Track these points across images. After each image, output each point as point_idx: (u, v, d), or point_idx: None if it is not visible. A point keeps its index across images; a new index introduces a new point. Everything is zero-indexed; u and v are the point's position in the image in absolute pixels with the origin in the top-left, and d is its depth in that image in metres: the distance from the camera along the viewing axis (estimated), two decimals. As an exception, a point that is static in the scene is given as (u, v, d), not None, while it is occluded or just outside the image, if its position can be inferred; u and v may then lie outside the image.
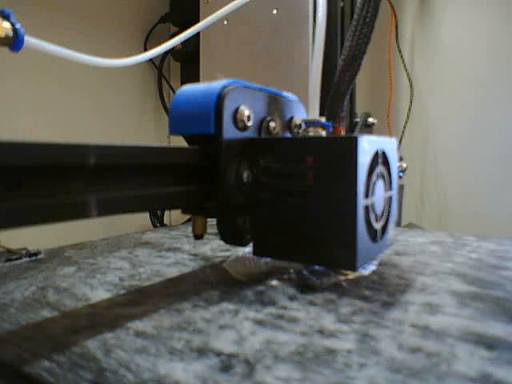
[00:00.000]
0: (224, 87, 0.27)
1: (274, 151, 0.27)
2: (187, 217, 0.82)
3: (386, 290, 0.25)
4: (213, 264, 0.33)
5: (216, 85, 0.27)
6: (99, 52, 0.37)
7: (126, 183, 0.22)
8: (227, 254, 0.36)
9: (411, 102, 0.91)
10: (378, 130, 0.74)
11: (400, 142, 0.89)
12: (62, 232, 0.64)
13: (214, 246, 0.39)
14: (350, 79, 0.43)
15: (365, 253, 0.25)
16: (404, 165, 0.66)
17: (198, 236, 0.29)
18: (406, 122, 0.91)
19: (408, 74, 0.92)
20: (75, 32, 0.73)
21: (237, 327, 0.20)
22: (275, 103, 0.31)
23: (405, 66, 0.92)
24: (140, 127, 0.88)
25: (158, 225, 0.82)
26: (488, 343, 0.18)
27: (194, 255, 0.35)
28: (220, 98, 0.26)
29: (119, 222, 0.77)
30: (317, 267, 0.29)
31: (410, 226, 0.83)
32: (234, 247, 0.37)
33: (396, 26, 0.90)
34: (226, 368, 0.17)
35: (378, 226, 0.27)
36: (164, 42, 0.40)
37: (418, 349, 0.18)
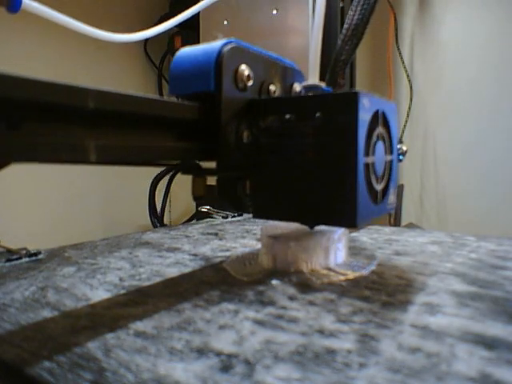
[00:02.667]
0: (224, 45, 0.26)
1: (273, 111, 0.27)
2: (187, 217, 0.82)
3: (386, 290, 0.25)
4: (213, 264, 0.33)
5: (216, 43, 0.27)
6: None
7: (125, 132, 0.22)
8: (227, 254, 0.36)
9: (411, 101, 0.91)
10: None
11: (400, 142, 0.89)
12: (62, 232, 0.64)
13: (214, 246, 0.39)
14: (351, 48, 0.43)
15: (365, 211, 0.25)
16: (404, 148, 0.65)
17: (197, 197, 0.28)
18: (406, 121, 0.91)
19: (408, 76, 0.92)
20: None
21: (237, 327, 0.20)
22: (275, 68, 0.31)
23: (404, 66, 0.92)
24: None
25: (158, 225, 0.82)
26: (488, 343, 0.18)
27: (194, 255, 0.35)
28: (220, 55, 0.26)
29: (119, 222, 0.77)
30: (317, 267, 0.29)
31: (410, 226, 0.83)
32: (234, 248, 0.37)
33: (396, 26, 0.90)
34: (225, 368, 0.17)
35: (378, 187, 0.27)
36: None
37: (417, 349, 0.18)
